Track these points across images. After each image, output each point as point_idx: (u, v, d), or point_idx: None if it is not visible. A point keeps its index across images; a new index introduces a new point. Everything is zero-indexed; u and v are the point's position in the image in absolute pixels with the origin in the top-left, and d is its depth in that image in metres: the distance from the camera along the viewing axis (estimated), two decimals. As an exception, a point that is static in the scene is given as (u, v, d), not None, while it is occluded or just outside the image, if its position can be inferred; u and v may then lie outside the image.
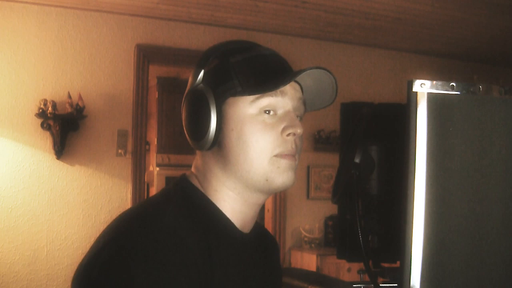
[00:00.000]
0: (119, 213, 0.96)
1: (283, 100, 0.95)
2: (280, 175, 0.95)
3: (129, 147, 3.90)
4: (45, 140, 3.66)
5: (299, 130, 0.94)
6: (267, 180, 0.95)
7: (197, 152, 1.02)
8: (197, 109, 0.96)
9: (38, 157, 3.64)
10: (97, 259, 0.86)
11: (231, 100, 0.94)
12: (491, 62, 5.12)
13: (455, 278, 0.88)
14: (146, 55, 3.97)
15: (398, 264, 0.90)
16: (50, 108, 3.57)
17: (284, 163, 0.94)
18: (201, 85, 0.96)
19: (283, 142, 0.94)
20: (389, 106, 1.09)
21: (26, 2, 3.63)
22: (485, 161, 0.89)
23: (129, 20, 3.92)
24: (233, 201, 0.98)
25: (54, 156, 3.66)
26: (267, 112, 0.94)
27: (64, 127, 3.64)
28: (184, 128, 1.00)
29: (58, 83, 3.71)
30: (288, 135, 0.94)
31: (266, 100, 0.93)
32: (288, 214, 4.46)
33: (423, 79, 0.86)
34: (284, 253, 4.42)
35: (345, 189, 1.07)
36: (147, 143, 4.87)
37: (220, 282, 0.90)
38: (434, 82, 0.86)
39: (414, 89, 0.86)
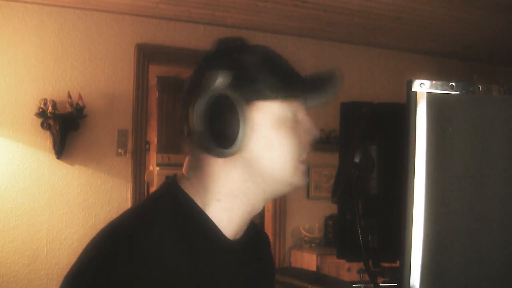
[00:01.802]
0: (119, 213, 0.94)
1: (299, 105, 0.95)
2: (301, 178, 0.95)
3: (129, 146, 3.90)
4: (45, 139, 3.66)
5: (318, 134, 0.96)
6: (291, 184, 0.94)
7: (201, 158, 0.94)
8: (222, 114, 0.89)
9: (38, 157, 3.64)
10: (82, 275, 0.85)
11: (258, 104, 0.91)
12: (491, 61, 5.12)
13: (455, 278, 0.88)
14: (146, 55, 3.97)
15: (398, 263, 0.90)
16: (50, 108, 3.57)
17: (303, 168, 0.95)
18: (225, 89, 0.89)
19: (306, 146, 0.95)
20: (389, 105, 1.09)
21: (26, 2, 3.63)
22: (485, 160, 0.89)
23: (129, 20, 3.92)
24: (236, 208, 0.94)
25: (54, 156, 3.66)
26: (290, 114, 0.93)
27: (64, 126, 3.64)
28: (203, 134, 0.90)
29: (58, 83, 3.71)
30: (309, 139, 0.95)
31: (292, 106, 0.93)
32: (288, 214, 4.46)
33: (423, 78, 0.86)
34: (284, 253, 4.42)
35: (345, 188, 1.07)
36: (147, 143, 4.87)
37: None
38: (434, 82, 0.86)
39: (413, 89, 0.86)
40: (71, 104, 3.64)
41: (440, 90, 0.86)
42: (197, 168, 0.95)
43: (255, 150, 0.91)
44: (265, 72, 0.92)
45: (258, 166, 0.92)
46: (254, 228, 1.11)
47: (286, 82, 0.92)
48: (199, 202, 0.93)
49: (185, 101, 0.93)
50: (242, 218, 0.96)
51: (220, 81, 0.90)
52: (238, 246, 0.97)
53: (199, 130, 0.90)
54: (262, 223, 4.71)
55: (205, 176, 0.94)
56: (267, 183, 0.93)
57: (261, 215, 4.94)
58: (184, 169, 0.98)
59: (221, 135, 0.89)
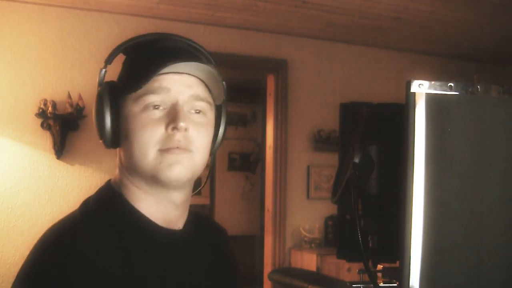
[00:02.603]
0: None
1: (169, 96, 0.95)
2: (166, 169, 0.94)
3: (129, 147, 3.90)
4: (45, 140, 3.66)
5: (181, 124, 0.93)
6: (154, 175, 0.95)
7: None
8: (97, 108, 0.98)
9: (38, 157, 3.64)
10: (18, 277, 0.93)
11: (123, 97, 0.97)
12: (491, 62, 5.12)
13: (454, 278, 0.88)
14: (146, 55, 3.97)
15: (397, 264, 0.90)
16: (50, 108, 3.58)
17: (168, 157, 0.94)
18: (102, 83, 1.00)
19: (167, 137, 0.94)
20: (389, 106, 1.09)
21: (26, 2, 3.63)
22: (484, 161, 0.89)
23: (129, 20, 3.92)
24: (146, 201, 0.98)
25: (54, 156, 3.66)
26: (156, 107, 0.94)
27: (64, 127, 3.64)
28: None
29: (58, 83, 3.72)
30: (173, 129, 0.94)
31: (149, 98, 0.94)
32: (288, 214, 4.46)
33: (422, 79, 0.86)
34: (284, 253, 4.42)
35: (344, 189, 1.07)
36: (147, 143, 4.87)
37: (144, 284, 0.90)
38: (433, 82, 0.86)
39: (412, 90, 0.86)
40: (71, 105, 3.64)
41: (439, 90, 0.86)
42: (118, 166, 1.04)
43: (122, 143, 0.98)
44: (125, 67, 1.00)
45: (127, 157, 0.98)
46: (207, 222, 1.14)
47: (133, 76, 0.96)
48: (125, 195, 0.99)
49: None
50: (160, 209, 0.98)
51: (101, 76, 1.02)
52: (178, 234, 1.00)
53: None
54: (262, 225, 4.71)
55: (118, 171, 1.03)
56: (139, 174, 0.97)
57: (261, 215, 4.94)
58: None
59: (97, 127, 0.99)
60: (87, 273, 0.84)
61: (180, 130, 0.93)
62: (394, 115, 0.96)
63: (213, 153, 1.07)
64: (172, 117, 0.94)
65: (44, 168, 3.66)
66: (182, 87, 0.96)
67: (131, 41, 1.03)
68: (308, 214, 4.49)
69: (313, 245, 4.37)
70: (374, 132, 1.08)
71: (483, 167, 0.89)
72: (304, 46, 4.47)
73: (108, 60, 1.03)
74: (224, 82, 1.02)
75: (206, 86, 1.00)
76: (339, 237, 1.18)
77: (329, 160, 4.38)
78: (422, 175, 0.85)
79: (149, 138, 0.94)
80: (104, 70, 1.01)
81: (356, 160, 1.04)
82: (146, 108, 0.94)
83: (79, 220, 0.94)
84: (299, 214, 4.48)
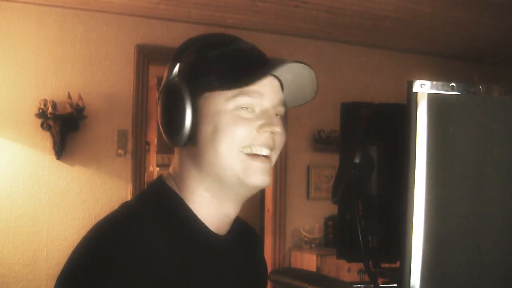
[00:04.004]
0: None
1: (261, 100, 0.93)
2: (251, 176, 0.92)
3: (129, 147, 3.90)
4: (45, 140, 3.66)
5: (277, 129, 0.92)
6: (238, 178, 0.92)
7: (175, 152, 0.99)
8: (172, 103, 0.93)
9: (38, 158, 3.64)
10: (68, 268, 0.85)
11: (207, 95, 0.92)
12: (491, 62, 5.12)
13: (455, 278, 0.88)
14: (146, 55, 3.97)
15: (398, 264, 0.90)
16: (50, 108, 3.57)
17: (255, 165, 0.92)
18: (177, 79, 0.94)
19: (258, 136, 0.92)
20: (389, 106, 1.09)
21: (26, 2, 3.63)
22: (486, 161, 0.89)
23: (129, 20, 3.92)
24: (208, 203, 0.95)
25: (54, 156, 3.66)
26: (244, 108, 0.92)
27: (64, 127, 3.64)
28: (160, 123, 0.97)
29: (58, 83, 3.71)
30: (265, 132, 0.92)
31: (243, 99, 0.91)
32: (288, 214, 4.46)
33: (423, 79, 0.86)
34: (284, 254, 4.42)
35: (345, 189, 1.07)
36: (147, 143, 4.87)
37: (193, 286, 0.89)
38: (434, 82, 0.86)
39: (414, 90, 0.85)
40: (71, 105, 3.64)
41: (441, 90, 0.86)
42: (176, 165, 0.98)
43: (203, 140, 0.92)
44: (215, 64, 0.92)
45: (207, 155, 0.92)
46: (243, 225, 1.12)
47: (235, 73, 0.91)
48: (182, 195, 0.95)
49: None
50: (217, 214, 0.96)
51: (175, 72, 0.95)
52: (224, 240, 0.98)
53: (159, 119, 0.96)
54: (262, 225, 4.71)
55: (180, 171, 0.97)
56: (218, 175, 0.93)
57: (261, 215, 4.94)
58: (170, 168, 1.01)
59: (170, 123, 0.93)
60: (143, 268, 0.82)
61: (276, 134, 0.93)
62: (395, 115, 0.96)
63: None
64: (267, 121, 0.92)
65: (44, 169, 3.65)
66: (272, 91, 0.95)
67: (204, 40, 0.99)
68: (308, 214, 4.49)
69: (313, 245, 4.37)
70: (374, 132, 1.08)
71: (484, 167, 0.89)
72: (304, 46, 4.47)
73: (180, 56, 0.97)
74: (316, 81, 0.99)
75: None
76: (339, 237, 1.18)
77: (329, 160, 4.38)
78: (423, 175, 0.85)
79: (238, 136, 0.91)
80: (178, 64, 0.95)
81: (357, 160, 1.04)
82: (237, 108, 0.91)
83: (135, 215, 0.92)
84: (299, 214, 4.48)
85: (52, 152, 3.66)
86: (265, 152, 0.93)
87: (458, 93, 0.87)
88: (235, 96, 0.91)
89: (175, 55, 0.98)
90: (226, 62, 0.93)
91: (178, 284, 0.86)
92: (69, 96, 3.64)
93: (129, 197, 3.85)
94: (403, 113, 0.87)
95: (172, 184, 0.97)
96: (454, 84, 0.86)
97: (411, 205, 0.84)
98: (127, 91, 3.91)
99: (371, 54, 4.77)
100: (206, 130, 0.92)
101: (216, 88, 0.91)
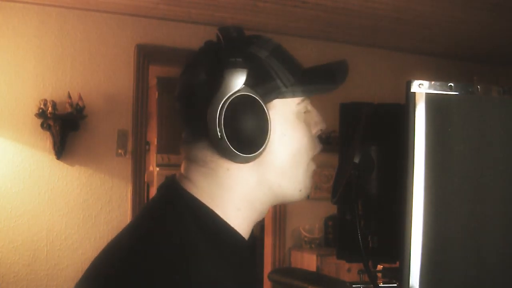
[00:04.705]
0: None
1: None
2: (309, 184, 0.91)
3: (129, 147, 3.90)
4: (45, 140, 3.66)
5: (325, 126, 0.94)
6: (300, 190, 0.90)
7: (214, 164, 0.86)
8: (247, 116, 0.81)
9: (38, 157, 3.64)
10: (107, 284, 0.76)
11: (275, 102, 0.85)
12: (491, 62, 5.12)
13: (455, 278, 0.88)
14: (146, 55, 3.97)
15: (397, 264, 0.90)
16: (50, 108, 3.58)
17: (312, 168, 0.92)
18: (244, 88, 0.81)
19: (316, 141, 0.93)
20: (389, 106, 1.09)
21: (26, 2, 3.63)
22: (485, 161, 0.89)
23: (129, 20, 3.92)
24: (250, 216, 0.89)
25: (54, 156, 3.66)
26: (307, 112, 0.91)
27: (64, 127, 3.64)
28: (227, 139, 0.81)
29: (58, 83, 3.72)
30: (317, 132, 0.93)
31: (307, 103, 0.90)
32: (288, 214, 4.46)
33: (423, 79, 0.86)
34: (284, 254, 4.42)
35: (344, 189, 1.07)
36: (147, 143, 4.87)
37: None
38: (433, 82, 0.86)
39: (412, 90, 0.85)
40: (71, 105, 3.64)
41: (439, 90, 0.86)
42: (209, 175, 0.86)
43: (271, 150, 0.85)
44: (278, 68, 0.86)
45: (273, 166, 0.86)
46: None
47: (299, 76, 0.88)
48: (219, 212, 0.86)
49: (192, 103, 0.85)
50: (250, 223, 0.91)
51: (236, 80, 0.81)
52: (248, 244, 0.93)
53: (217, 134, 0.81)
54: (262, 225, 4.71)
55: (220, 184, 0.86)
56: (280, 186, 0.88)
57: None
58: (190, 176, 0.88)
59: (246, 139, 0.81)
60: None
61: (323, 130, 0.93)
62: (395, 115, 0.96)
63: None
64: (318, 118, 0.92)
65: (44, 169, 3.66)
66: None
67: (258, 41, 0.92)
68: (308, 214, 4.49)
69: (313, 245, 4.37)
70: (374, 132, 1.08)
71: (483, 167, 0.89)
72: (304, 46, 4.47)
73: (236, 62, 0.83)
74: None
75: None
76: (339, 238, 1.18)
77: (329, 160, 4.36)
78: (422, 175, 0.85)
79: (308, 145, 0.90)
80: (239, 71, 0.82)
81: (356, 160, 1.04)
82: (300, 113, 0.89)
83: (168, 226, 0.82)
84: (299, 214, 4.48)
85: (52, 152, 3.66)
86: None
87: (457, 93, 0.87)
88: (303, 100, 0.89)
89: (220, 57, 0.84)
90: (288, 64, 0.89)
91: None
92: (69, 96, 3.64)
93: (129, 196, 3.85)
94: (402, 113, 0.87)
95: (202, 197, 0.86)
96: (452, 84, 0.86)
97: (410, 205, 0.84)
98: (127, 91, 3.91)
99: (371, 54, 4.77)
100: (274, 139, 0.85)
101: (285, 94, 0.86)
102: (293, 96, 0.87)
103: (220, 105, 0.81)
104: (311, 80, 0.89)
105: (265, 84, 0.84)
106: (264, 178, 0.87)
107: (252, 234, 1.00)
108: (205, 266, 0.79)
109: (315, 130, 0.92)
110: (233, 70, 0.82)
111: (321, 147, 0.94)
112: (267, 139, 0.83)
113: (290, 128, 0.87)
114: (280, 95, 0.86)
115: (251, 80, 0.83)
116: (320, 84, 0.90)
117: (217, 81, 0.82)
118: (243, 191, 0.87)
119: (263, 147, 0.82)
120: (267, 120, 0.82)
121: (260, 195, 0.88)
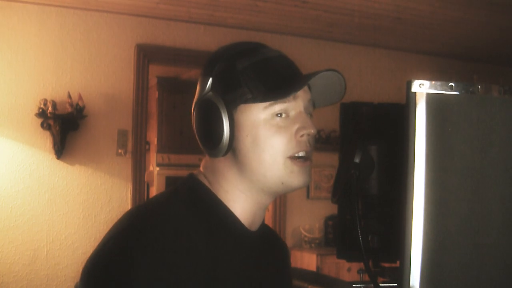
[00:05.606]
0: (119, 213, 0.97)
1: (295, 103, 0.97)
2: (295, 178, 0.97)
3: (129, 147, 3.90)
4: (45, 140, 3.66)
5: (312, 131, 0.96)
6: (282, 183, 0.97)
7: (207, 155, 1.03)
8: (209, 117, 0.97)
9: (38, 157, 3.64)
10: (101, 254, 0.90)
11: (242, 107, 0.95)
12: (491, 62, 5.12)
13: (455, 278, 0.88)
14: (146, 55, 3.97)
15: (398, 264, 0.90)
16: (50, 108, 3.57)
17: (297, 169, 0.96)
18: (211, 93, 0.97)
19: (297, 143, 0.96)
20: (389, 106, 1.09)
21: (26, 2, 3.63)
22: (485, 161, 0.89)
23: (129, 20, 3.92)
24: (243, 202, 1.00)
25: (54, 156, 3.66)
26: (278, 115, 0.96)
27: (64, 127, 3.64)
28: (197, 136, 1.01)
29: (58, 83, 3.71)
30: (302, 136, 0.96)
31: (279, 106, 0.95)
32: (288, 214, 4.46)
33: (423, 79, 0.86)
34: (284, 253, 4.42)
35: (345, 189, 1.07)
36: (147, 143, 4.87)
37: (223, 278, 0.93)
38: (433, 82, 0.86)
39: (413, 90, 0.86)
40: (71, 105, 3.64)
41: (440, 90, 0.86)
42: (208, 165, 1.03)
43: (243, 150, 0.97)
44: (247, 76, 0.95)
45: (249, 164, 0.97)
46: (271, 230, 1.18)
47: (270, 85, 0.95)
48: (214, 191, 1.00)
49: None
50: (252, 211, 1.01)
51: (208, 87, 0.97)
52: (254, 236, 1.03)
53: (196, 133, 1.01)
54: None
55: (214, 172, 1.01)
56: (262, 181, 0.98)
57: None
58: (201, 166, 1.05)
59: (208, 137, 0.98)
60: (178, 254, 0.86)
61: (311, 136, 0.97)
62: (395, 115, 0.96)
63: None
64: (302, 123, 0.96)
65: (44, 168, 3.65)
66: (303, 92, 0.99)
67: (235, 49, 1.00)
68: (308, 214, 4.49)
69: (313, 245, 4.37)
70: (374, 132, 1.08)
71: (483, 166, 0.89)
72: (304, 46, 4.47)
73: (211, 70, 0.99)
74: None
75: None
76: (339, 237, 1.19)
77: (329, 160, 4.38)
78: (422, 175, 0.85)
79: (281, 145, 0.95)
80: (211, 79, 0.98)
81: (357, 160, 1.04)
82: (273, 116, 0.95)
83: (170, 206, 0.96)
84: (299, 214, 4.48)
85: (52, 151, 3.66)
86: (305, 154, 0.97)
87: (457, 93, 0.87)
88: (271, 105, 0.95)
89: (206, 69, 1.00)
90: (258, 73, 0.96)
91: (209, 271, 0.89)
92: (69, 96, 3.64)
93: (129, 196, 3.85)
94: (402, 112, 0.87)
95: (205, 182, 1.02)
96: (452, 84, 0.86)
97: (411, 205, 0.85)
98: (127, 90, 3.91)
99: (371, 54, 4.77)
100: (245, 141, 0.96)
101: (251, 100, 0.95)
102: (254, 102, 0.95)
103: (193, 108, 1.01)
104: (269, 89, 0.95)
105: (231, 91, 0.95)
106: (240, 173, 0.98)
107: (272, 240, 1.11)
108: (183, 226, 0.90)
109: (297, 133, 0.96)
110: (203, 78, 0.99)
111: (306, 148, 0.97)
112: (224, 137, 0.95)
113: (254, 130, 0.96)
114: (245, 101, 0.95)
115: (219, 87, 0.97)
116: (274, 94, 0.96)
117: (198, 88, 1.00)
118: (229, 180, 1.00)
119: (219, 144, 0.96)
120: (223, 122, 0.95)
121: (245, 187, 0.99)
